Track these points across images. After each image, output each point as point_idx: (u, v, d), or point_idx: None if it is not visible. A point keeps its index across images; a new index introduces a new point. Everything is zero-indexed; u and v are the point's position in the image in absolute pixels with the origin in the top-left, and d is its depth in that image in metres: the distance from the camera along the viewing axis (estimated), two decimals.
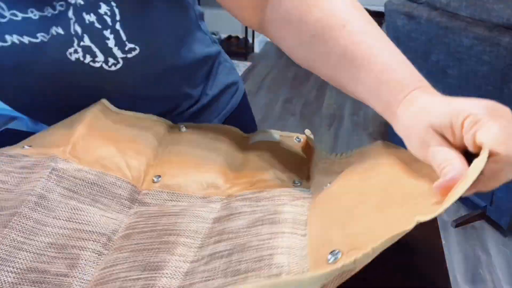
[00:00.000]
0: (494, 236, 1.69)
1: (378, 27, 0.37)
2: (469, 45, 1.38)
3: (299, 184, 0.45)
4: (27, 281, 0.34)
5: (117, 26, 0.49)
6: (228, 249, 0.35)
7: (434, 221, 0.46)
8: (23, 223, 0.38)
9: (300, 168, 0.49)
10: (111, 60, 0.51)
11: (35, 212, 0.39)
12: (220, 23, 3.72)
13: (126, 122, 0.54)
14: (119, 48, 0.51)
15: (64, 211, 0.40)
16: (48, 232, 0.39)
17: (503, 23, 1.30)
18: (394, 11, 1.59)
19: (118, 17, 0.49)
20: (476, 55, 1.38)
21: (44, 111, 0.58)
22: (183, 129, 0.56)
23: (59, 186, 0.42)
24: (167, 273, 0.35)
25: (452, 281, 1.46)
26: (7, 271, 0.35)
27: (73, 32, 0.49)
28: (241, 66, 3.36)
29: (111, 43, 0.50)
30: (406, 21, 1.57)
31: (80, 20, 0.49)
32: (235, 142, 0.55)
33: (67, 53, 0.50)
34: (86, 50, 0.50)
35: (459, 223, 1.73)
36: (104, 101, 0.54)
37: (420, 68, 0.33)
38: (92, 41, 0.50)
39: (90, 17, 0.49)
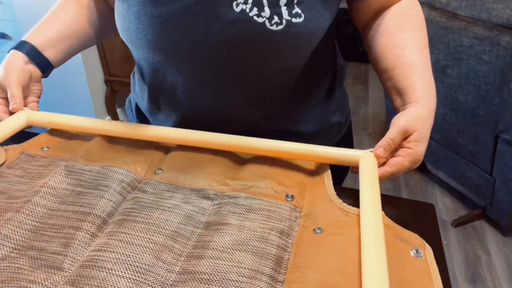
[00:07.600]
0: (494, 236, 1.70)
1: (428, 60, 0.57)
2: (468, 44, 1.38)
3: (291, 199, 0.47)
4: (26, 256, 0.39)
5: None
6: (208, 273, 0.37)
7: (434, 220, 0.46)
8: (33, 209, 0.44)
9: (301, 182, 0.50)
10: (275, 19, 0.50)
11: (45, 200, 0.45)
12: None
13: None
14: (287, 9, 0.50)
15: (69, 196, 0.46)
16: (53, 215, 0.44)
17: (503, 23, 1.30)
18: None
19: None
20: (475, 55, 1.38)
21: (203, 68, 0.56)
22: None
23: (68, 177, 0.49)
24: (151, 281, 0.36)
25: (452, 281, 1.46)
26: (8, 247, 0.40)
27: None
28: None
29: (282, 1, 0.50)
30: None
31: None
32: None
33: (234, 3, 0.49)
34: (255, 2, 0.49)
35: (459, 222, 1.73)
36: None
37: None
38: None
39: None
